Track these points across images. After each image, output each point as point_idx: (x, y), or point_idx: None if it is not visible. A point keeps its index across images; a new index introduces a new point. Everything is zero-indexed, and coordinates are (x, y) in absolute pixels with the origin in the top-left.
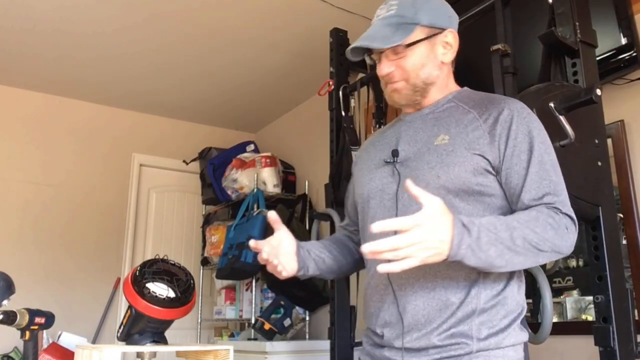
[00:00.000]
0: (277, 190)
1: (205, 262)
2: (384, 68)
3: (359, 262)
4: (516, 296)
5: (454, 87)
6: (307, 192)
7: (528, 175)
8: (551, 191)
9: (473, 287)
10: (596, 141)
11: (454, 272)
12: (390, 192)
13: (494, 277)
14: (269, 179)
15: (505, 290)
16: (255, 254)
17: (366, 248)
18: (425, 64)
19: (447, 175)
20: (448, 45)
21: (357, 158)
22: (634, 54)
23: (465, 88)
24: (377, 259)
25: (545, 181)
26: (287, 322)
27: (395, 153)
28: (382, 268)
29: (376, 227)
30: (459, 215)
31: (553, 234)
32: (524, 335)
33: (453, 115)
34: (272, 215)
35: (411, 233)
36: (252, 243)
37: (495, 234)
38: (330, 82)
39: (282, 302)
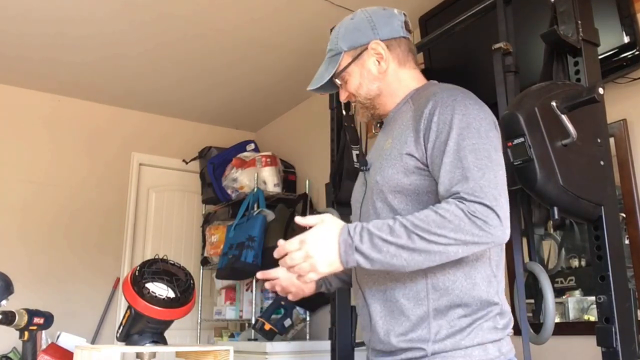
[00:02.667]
0: (278, 189)
1: (205, 262)
2: (341, 96)
3: None
4: (484, 296)
5: (414, 84)
6: (307, 192)
7: (443, 167)
8: (462, 178)
9: (422, 289)
10: (598, 140)
11: (400, 274)
12: (360, 199)
13: (445, 277)
14: (269, 179)
15: (464, 290)
16: (255, 254)
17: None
18: (361, 82)
19: (382, 179)
20: (378, 55)
21: None
22: (637, 53)
23: (430, 81)
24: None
25: (457, 169)
26: (287, 322)
27: (364, 162)
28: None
29: (275, 254)
30: (350, 224)
31: (453, 227)
32: (496, 333)
33: (402, 117)
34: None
35: (297, 251)
36: (259, 275)
37: (385, 236)
38: None
39: (283, 302)
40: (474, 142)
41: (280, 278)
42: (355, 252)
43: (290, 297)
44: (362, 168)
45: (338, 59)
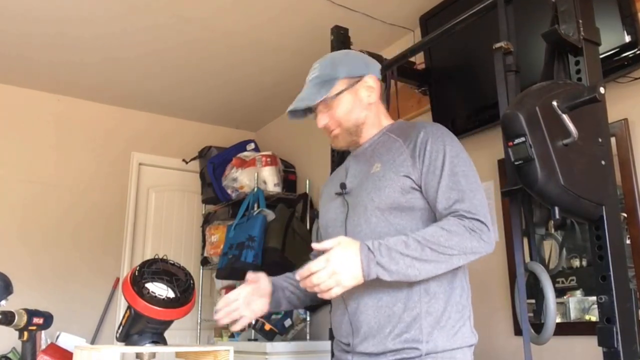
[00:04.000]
0: (278, 189)
1: (205, 262)
2: (321, 121)
3: None
4: (461, 300)
5: (386, 121)
6: (307, 191)
7: (439, 188)
8: (459, 199)
9: (415, 294)
10: (600, 140)
11: (395, 282)
12: (341, 219)
13: (435, 283)
14: (270, 178)
15: (448, 295)
16: (255, 254)
17: (301, 284)
18: (352, 109)
19: (379, 198)
20: (370, 88)
21: (321, 194)
22: (638, 52)
23: (399, 120)
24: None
25: (454, 191)
26: (287, 322)
27: (342, 186)
28: (321, 297)
29: (298, 276)
30: (366, 241)
31: (458, 240)
32: (472, 338)
33: (385, 145)
34: (250, 276)
35: (324, 270)
36: (220, 312)
37: (401, 250)
38: None
39: None
40: (463, 169)
41: (240, 301)
42: (376, 265)
43: (243, 322)
44: (342, 192)
45: (332, 84)
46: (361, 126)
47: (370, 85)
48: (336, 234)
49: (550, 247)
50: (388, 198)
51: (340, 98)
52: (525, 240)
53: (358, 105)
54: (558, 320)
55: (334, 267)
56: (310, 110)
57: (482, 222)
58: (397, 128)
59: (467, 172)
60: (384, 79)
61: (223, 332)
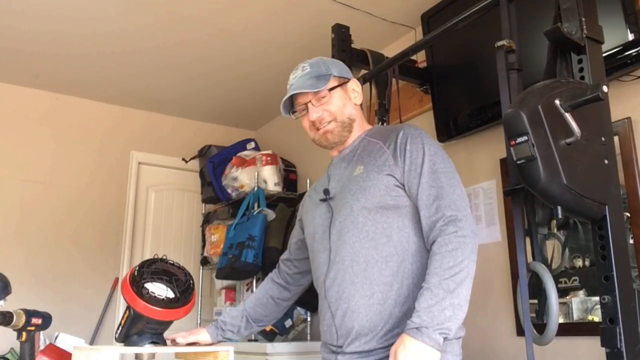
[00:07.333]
0: (278, 188)
1: (205, 261)
2: (313, 114)
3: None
4: None
5: (366, 126)
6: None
7: (420, 185)
8: (438, 195)
9: (405, 289)
10: (603, 139)
11: (386, 277)
12: (326, 224)
13: (421, 275)
14: (270, 178)
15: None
16: (255, 254)
17: None
18: (345, 104)
19: (365, 198)
20: (355, 91)
21: (302, 203)
22: None
23: (376, 125)
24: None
25: (433, 188)
26: (288, 322)
27: (326, 192)
28: None
29: None
30: (406, 329)
31: (461, 254)
32: (460, 331)
33: (366, 149)
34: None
35: None
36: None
37: (435, 302)
38: None
39: None
40: (442, 166)
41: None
42: (434, 332)
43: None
44: (326, 198)
45: (327, 78)
46: (353, 122)
47: (355, 88)
48: (322, 239)
49: (552, 247)
50: (373, 197)
51: (335, 92)
52: (528, 240)
53: (349, 102)
54: (561, 320)
55: None
56: (292, 111)
57: (460, 219)
58: (376, 132)
59: (446, 169)
60: (386, 77)
61: None
